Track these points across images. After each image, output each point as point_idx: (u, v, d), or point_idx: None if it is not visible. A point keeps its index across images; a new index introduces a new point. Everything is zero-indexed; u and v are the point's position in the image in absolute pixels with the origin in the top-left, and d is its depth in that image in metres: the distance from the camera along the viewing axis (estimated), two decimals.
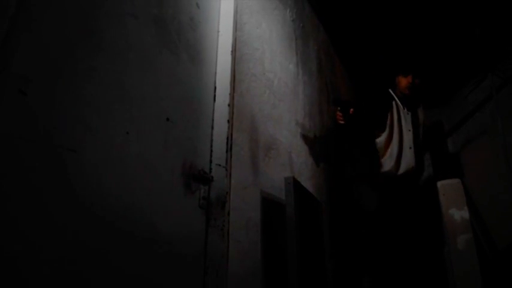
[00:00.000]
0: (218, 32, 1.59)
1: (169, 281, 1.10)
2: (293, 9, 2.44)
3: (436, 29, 3.24)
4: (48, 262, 0.77)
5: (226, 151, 1.40)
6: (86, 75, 0.94)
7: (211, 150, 1.41)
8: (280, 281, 1.58)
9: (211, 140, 1.42)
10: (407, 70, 2.60)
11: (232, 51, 1.55)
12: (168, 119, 1.21)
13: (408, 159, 2.49)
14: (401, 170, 2.49)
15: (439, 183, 1.97)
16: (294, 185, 1.71)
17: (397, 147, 2.49)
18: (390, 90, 2.67)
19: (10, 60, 0.76)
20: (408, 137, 2.52)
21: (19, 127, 0.76)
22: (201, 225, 1.28)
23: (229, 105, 1.46)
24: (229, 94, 1.47)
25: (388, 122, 2.56)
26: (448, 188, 1.95)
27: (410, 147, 2.49)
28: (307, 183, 2.14)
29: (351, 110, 2.21)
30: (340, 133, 2.67)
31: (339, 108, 2.26)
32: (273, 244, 1.62)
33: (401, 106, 2.60)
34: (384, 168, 2.51)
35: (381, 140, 2.56)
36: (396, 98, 2.62)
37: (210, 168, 1.37)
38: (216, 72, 1.52)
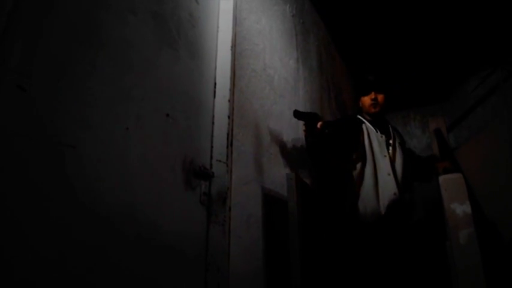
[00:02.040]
0: (218, 27, 1.58)
1: (170, 277, 1.09)
2: (293, 5, 2.43)
3: (436, 24, 3.23)
4: (47, 257, 0.77)
5: (227, 147, 1.40)
6: (85, 71, 0.93)
7: (212, 146, 1.40)
8: (283, 276, 1.58)
9: (212, 136, 1.41)
10: (367, 88, 2.26)
11: (232, 47, 1.54)
12: (168, 115, 1.20)
13: (388, 186, 2.08)
14: (383, 200, 2.05)
15: (441, 178, 1.96)
16: (296, 181, 1.70)
17: (372, 177, 2.11)
18: (359, 116, 2.32)
19: (8, 56, 0.75)
20: (384, 162, 2.13)
21: (17, 123, 0.75)
22: (202, 221, 1.28)
23: (229, 101, 1.45)
24: (230, 90, 1.47)
25: (361, 148, 2.21)
26: (450, 182, 1.95)
27: (389, 174, 2.10)
28: (308, 180, 2.13)
29: (319, 124, 1.90)
30: (309, 153, 2.12)
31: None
32: (274, 240, 1.61)
33: (373, 129, 2.23)
34: (361, 202, 2.07)
35: (356, 169, 2.15)
36: (366, 121, 2.26)
37: (211, 164, 1.37)
38: (216, 68, 1.51)
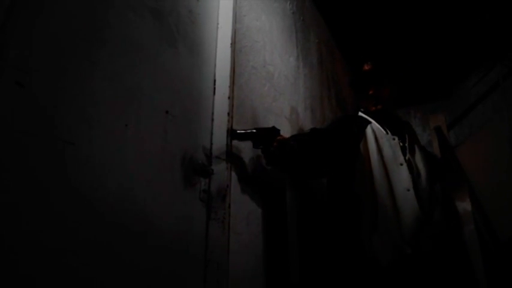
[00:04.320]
0: (217, 24, 1.58)
1: (170, 274, 1.10)
2: (293, 2, 2.43)
3: (437, 21, 3.22)
4: (48, 251, 0.77)
5: (227, 144, 1.40)
6: (83, 67, 0.93)
7: (212, 143, 1.40)
8: (282, 273, 1.58)
9: (211, 133, 1.41)
10: (365, 81, 1.82)
11: (231, 44, 1.54)
12: (167, 112, 1.20)
13: (410, 205, 1.53)
14: (406, 225, 1.50)
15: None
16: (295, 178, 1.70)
17: (387, 195, 1.56)
18: (362, 113, 1.85)
19: (6, 51, 0.75)
20: (401, 173, 1.60)
21: (16, 119, 0.75)
22: (202, 218, 1.28)
23: (229, 97, 1.45)
24: (229, 87, 1.47)
25: (359, 161, 1.66)
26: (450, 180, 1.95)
27: (408, 189, 1.56)
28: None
29: (275, 142, 1.49)
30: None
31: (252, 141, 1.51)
32: (274, 237, 1.62)
33: (382, 130, 1.72)
34: (377, 237, 1.51)
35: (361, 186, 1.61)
36: (372, 120, 1.77)
37: (210, 161, 1.37)
38: (215, 65, 1.51)
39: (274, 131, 1.52)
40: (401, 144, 1.69)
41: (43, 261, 0.76)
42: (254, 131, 1.48)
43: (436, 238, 1.54)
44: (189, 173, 1.26)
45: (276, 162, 1.55)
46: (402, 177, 1.59)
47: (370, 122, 1.77)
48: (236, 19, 1.63)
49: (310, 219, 1.82)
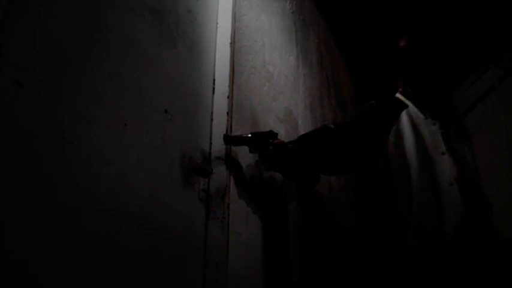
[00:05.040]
0: (217, 24, 1.58)
1: (169, 274, 1.09)
2: (293, 1, 2.42)
3: (435, 21, 3.22)
4: (50, 245, 0.77)
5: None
6: (82, 66, 0.93)
7: (211, 143, 1.40)
8: (282, 273, 1.58)
9: (211, 133, 1.41)
10: (399, 59, 1.64)
11: (231, 43, 1.54)
12: (166, 111, 1.20)
13: (453, 202, 1.35)
14: (449, 224, 1.33)
15: None
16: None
17: (428, 188, 1.39)
18: (398, 94, 1.65)
19: (5, 50, 0.75)
20: (443, 164, 1.40)
21: (14, 118, 0.75)
22: (201, 217, 1.28)
23: (228, 97, 1.45)
24: (229, 86, 1.46)
25: (392, 151, 1.48)
26: None
27: (451, 183, 1.37)
28: None
29: (270, 146, 1.43)
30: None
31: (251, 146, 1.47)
32: (274, 236, 1.61)
33: (421, 115, 1.52)
34: (416, 232, 1.37)
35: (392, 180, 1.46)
36: (410, 103, 1.57)
37: (210, 161, 1.37)
38: (214, 64, 1.51)
39: (271, 134, 1.47)
40: (443, 130, 1.48)
41: (45, 255, 0.76)
42: (249, 135, 1.44)
43: (483, 240, 1.36)
44: (188, 172, 1.26)
45: (272, 166, 1.50)
46: (444, 169, 1.40)
47: (406, 106, 1.56)
48: (235, 18, 1.63)
49: (311, 218, 1.82)
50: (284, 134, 1.98)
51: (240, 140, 1.44)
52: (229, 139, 1.39)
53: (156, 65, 1.19)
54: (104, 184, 0.93)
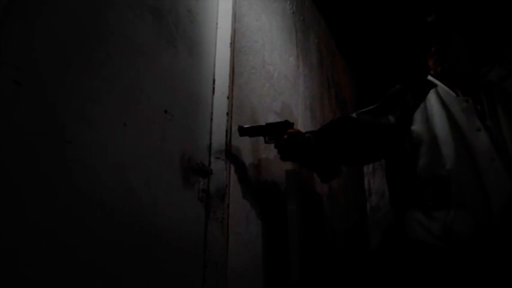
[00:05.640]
0: (217, 24, 1.58)
1: (168, 273, 1.09)
2: (293, 2, 2.42)
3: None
4: (49, 245, 0.77)
5: (226, 144, 1.39)
6: (82, 66, 0.93)
7: (211, 143, 1.40)
8: (281, 273, 1.58)
9: (211, 133, 1.41)
10: (427, 37, 1.54)
11: (231, 44, 1.54)
12: (166, 111, 1.20)
13: (498, 177, 1.27)
14: (496, 202, 1.24)
15: None
16: (296, 178, 1.70)
17: (469, 167, 1.31)
18: (430, 77, 1.56)
19: (4, 49, 0.75)
20: (480, 140, 1.33)
21: (13, 117, 0.75)
22: (201, 217, 1.28)
23: (228, 97, 1.45)
24: (228, 86, 1.46)
25: (419, 131, 1.42)
26: None
27: (492, 159, 1.30)
28: (308, 176, 2.13)
29: (285, 136, 1.43)
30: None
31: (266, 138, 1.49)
32: (274, 237, 1.61)
33: (451, 92, 1.46)
34: (457, 213, 1.28)
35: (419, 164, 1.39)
36: (438, 82, 1.50)
37: (209, 161, 1.37)
38: (214, 65, 1.51)
39: (287, 124, 1.47)
40: (479, 107, 1.41)
41: (44, 255, 0.76)
42: (264, 125, 1.47)
43: None
44: (188, 172, 1.26)
45: (286, 156, 1.47)
46: (482, 146, 1.32)
47: (434, 86, 1.50)
48: (235, 19, 1.63)
49: (311, 218, 1.82)
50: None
51: (255, 131, 1.46)
52: (244, 130, 1.43)
53: (156, 65, 1.19)
54: (103, 184, 0.93)
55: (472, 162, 1.31)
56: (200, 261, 1.23)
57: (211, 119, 1.43)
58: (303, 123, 2.25)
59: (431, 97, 1.47)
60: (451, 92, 1.47)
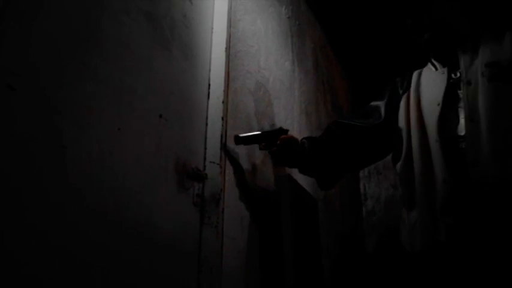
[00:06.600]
0: (212, 28, 1.58)
1: (163, 278, 1.09)
2: (289, 7, 2.43)
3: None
4: (45, 249, 0.77)
5: (221, 148, 1.39)
6: (76, 71, 0.93)
7: (205, 148, 1.40)
8: (277, 278, 1.58)
9: (205, 138, 1.41)
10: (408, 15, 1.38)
11: (226, 48, 1.54)
12: (161, 116, 1.20)
13: (436, 164, 1.14)
14: (439, 195, 1.12)
15: None
16: (289, 183, 1.70)
17: (417, 152, 1.21)
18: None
19: None
20: (433, 118, 1.19)
21: (6, 122, 0.75)
22: (195, 222, 1.28)
23: (223, 102, 1.45)
24: (224, 91, 1.47)
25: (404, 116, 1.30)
26: None
27: (436, 140, 1.16)
28: (303, 181, 2.13)
29: (279, 140, 1.44)
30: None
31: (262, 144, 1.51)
32: (269, 242, 1.61)
33: (432, 67, 1.34)
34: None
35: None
36: (432, 67, 1.35)
37: (204, 166, 1.36)
38: (210, 69, 1.51)
39: (281, 131, 1.50)
40: (453, 75, 1.23)
41: (43, 256, 0.76)
42: (259, 133, 1.50)
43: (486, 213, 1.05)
44: (183, 177, 1.26)
45: (278, 161, 1.50)
46: (433, 124, 1.16)
47: (414, 70, 1.39)
48: (231, 23, 1.63)
49: (305, 223, 1.81)
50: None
51: (251, 139, 1.49)
52: (240, 139, 1.45)
53: (150, 69, 1.19)
54: (98, 189, 0.93)
55: (423, 147, 1.18)
56: (195, 266, 1.23)
57: (206, 124, 1.43)
58: (298, 128, 2.25)
59: (414, 80, 1.36)
60: (432, 68, 1.34)
